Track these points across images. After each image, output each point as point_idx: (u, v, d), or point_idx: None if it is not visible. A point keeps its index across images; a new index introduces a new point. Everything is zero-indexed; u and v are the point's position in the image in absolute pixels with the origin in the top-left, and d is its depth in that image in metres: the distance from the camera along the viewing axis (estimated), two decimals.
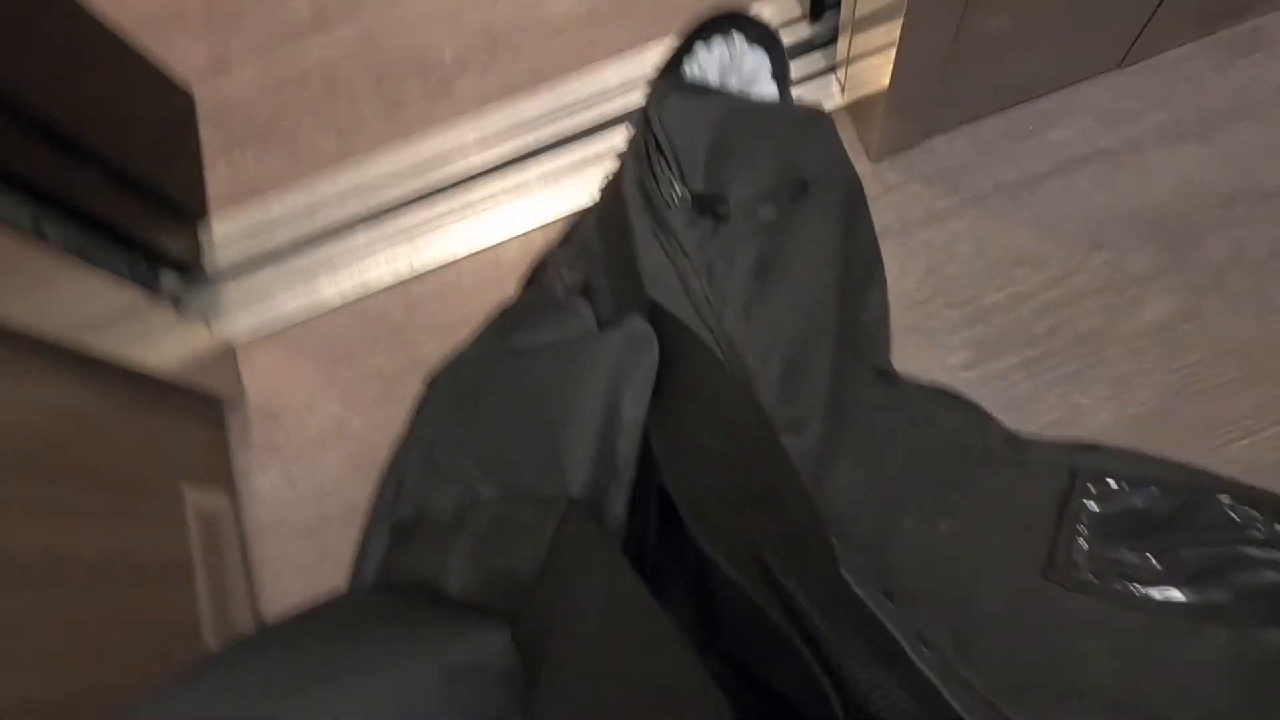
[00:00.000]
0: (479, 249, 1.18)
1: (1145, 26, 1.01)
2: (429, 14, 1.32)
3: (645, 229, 0.58)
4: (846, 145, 1.11)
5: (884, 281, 0.65)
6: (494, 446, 0.51)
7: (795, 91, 1.15)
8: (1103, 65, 1.08)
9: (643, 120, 0.63)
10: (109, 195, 1.09)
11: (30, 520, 0.78)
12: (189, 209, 1.24)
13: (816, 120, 0.70)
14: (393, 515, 0.54)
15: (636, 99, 1.19)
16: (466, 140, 1.23)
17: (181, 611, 0.95)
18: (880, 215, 1.09)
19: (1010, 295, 1.03)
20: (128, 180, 1.11)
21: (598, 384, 0.49)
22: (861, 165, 1.11)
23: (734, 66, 0.78)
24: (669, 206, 0.58)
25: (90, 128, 1.05)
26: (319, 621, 0.41)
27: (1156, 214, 1.03)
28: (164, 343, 1.06)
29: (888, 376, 0.59)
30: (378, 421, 1.13)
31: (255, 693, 0.34)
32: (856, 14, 1.01)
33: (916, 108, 1.03)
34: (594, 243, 0.66)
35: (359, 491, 1.11)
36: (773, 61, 0.79)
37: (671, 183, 0.59)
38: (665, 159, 0.60)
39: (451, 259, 1.18)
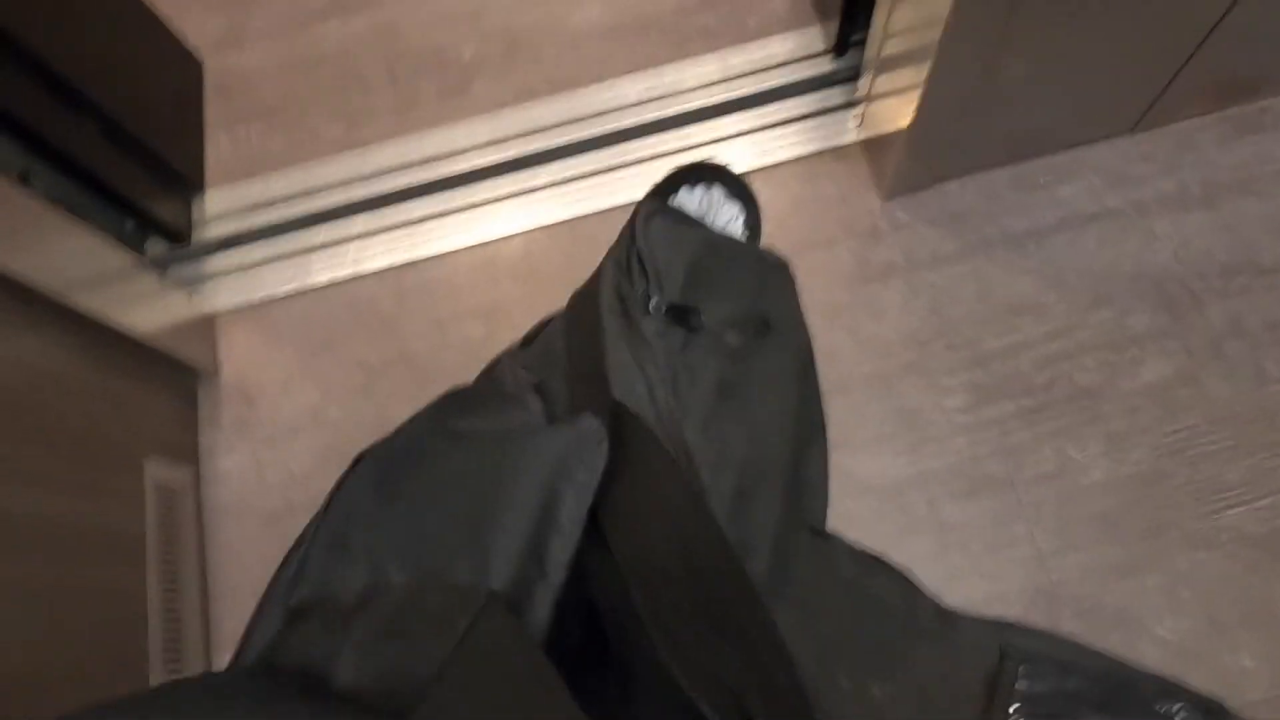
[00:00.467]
0: (477, 243, 1.16)
1: (1160, 96, 1.03)
2: (451, 12, 1.32)
3: (617, 333, 0.60)
4: (859, 181, 1.12)
5: (826, 446, 0.67)
6: (414, 529, 0.47)
7: (813, 123, 1.15)
8: (1116, 128, 1.10)
9: (629, 234, 0.66)
10: (104, 151, 1.06)
11: None
12: (184, 177, 1.21)
13: (783, 269, 0.73)
14: (290, 595, 0.49)
15: (651, 115, 1.19)
16: (477, 139, 1.22)
17: (129, 585, 0.89)
18: (887, 253, 1.09)
19: (1011, 343, 1.03)
20: (125, 139, 1.08)
21: (537, 477, 0.46)
22: (871, 202, 1.11)
23: (712, 213, 0.86)
24: (644, 314, 0.60)
25: (93, 79, 1.02)
26: (174, 697, 0.36)
27: (1159, 276, 1.04)
28: (144, 308, 1.02)
29: (823, 535, 0.59)
30: (356, 413, 1.10)
31: None
32: (883, 54, 1.01)
33: (933, 150, 1.03)
34: (558, 345, 0.67)
35: (329, 484, 1.06)
36: (747, 214, 0.88)
37: (648, 292, 0.62)
38: (645, 270, 0.63)
39: (448, 251, 1.16)
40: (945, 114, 0.95)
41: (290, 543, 1.02)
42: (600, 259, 0.68)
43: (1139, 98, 1.04)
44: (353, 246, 1.17)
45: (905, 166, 1.06)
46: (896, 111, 0.99)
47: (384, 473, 0.53)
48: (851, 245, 1.09)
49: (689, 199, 0.88)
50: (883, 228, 1.10)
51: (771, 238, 1.09)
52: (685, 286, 0.64)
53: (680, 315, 0.61)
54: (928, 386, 1.02)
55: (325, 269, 1.16)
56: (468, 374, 1.10)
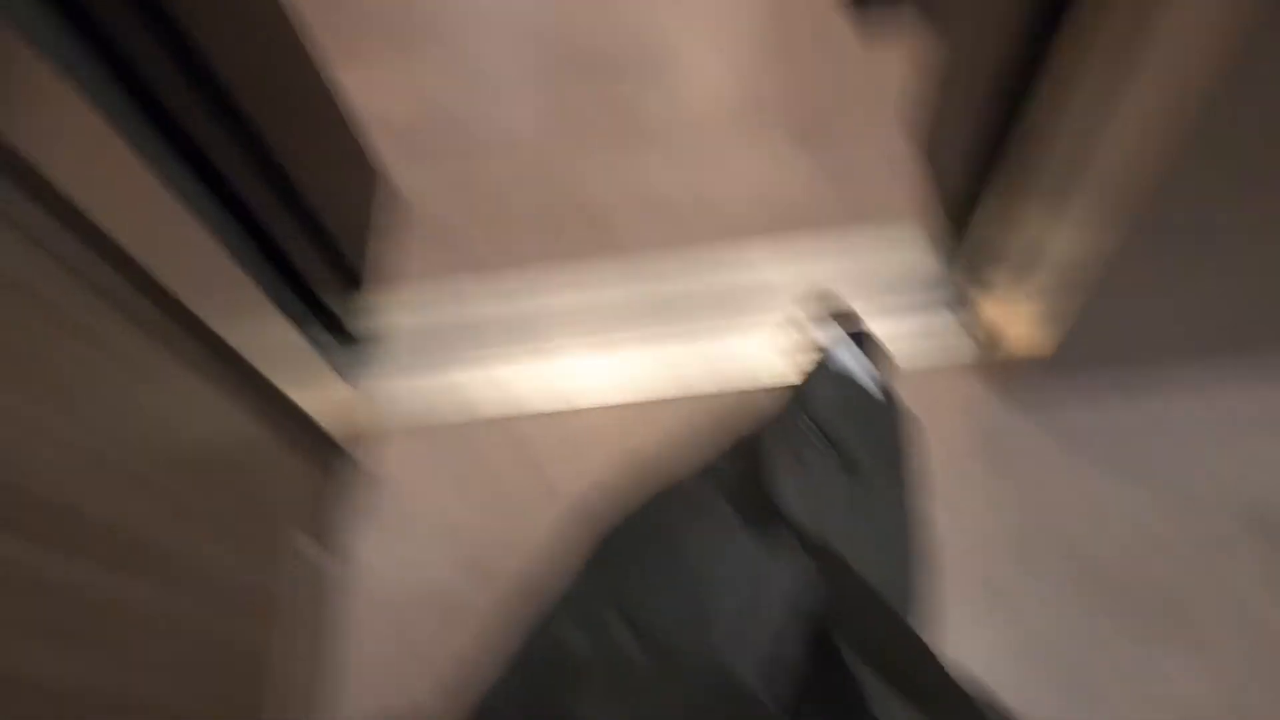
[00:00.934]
0: (631, 401, 1.21)
1: None
2: (608, 168, 1.45)
3: (782, 459, 0.69)
4: (980, 384, 1.16)
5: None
6: (648, 609, 0.54)
7: (937, 322, 1.22)
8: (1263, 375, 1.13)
9: (800, 385, 0.78)
10: (302, 243, 1.18)
11: (154, 507, 0.79)
12: (363, 280, 1.33)
13: (909, 417, 0.86)
14: (526, 650, 0.55)
15: (802, 283, 1.28)
16: (634, 297, 1.31)
17: (256, 642, 0.93)
18: (1007, 459, 1.12)
19: (1120, 557, 1.04)
20: (321, 235, 1.21)
21: (760, 588, 0.55)
22: (993, 406, 1.16)
23: (857, 368, 0.98)
24: (803, 439, 0.72)
25: (305, 176, 1.15)
26: None
27: None
28: (317, 391, 1.10)
29: None
30: (492, 532, 1.13)
31: None
32: (1026, 277, 1.07)
33: (1068, 372, 1.09)
34: (727, 469, 0.77)
35: (453, 591, 1.09)
36: (879, 370, 1.00)
37: (809, 425, 0.74)
38: (807, 410, 0.74)
39: (609, 404, 1.21)
40: (1086, 347, 1.02)
41: (399, 637, 1.05)
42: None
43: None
44: (514, 373, 1.25)
45: (1036, 381, 1.11)
46: (1029, 332, 1.06)
47: (626, 551, 0.60)
48: (974, 450, 1.14)
49: (845, 355, 0.98)
50: (1001, 433, 1.14)
51: None
52: (840, 428, 0.74)
53: (826, 440, 0.71)
54: (1025, 581, 1.03)
55: (485, 387, 1.24)
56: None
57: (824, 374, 0.82)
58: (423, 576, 1.10)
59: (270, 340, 1.01)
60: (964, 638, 0.99)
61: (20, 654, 0.62)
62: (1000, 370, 1.16)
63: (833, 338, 1.00)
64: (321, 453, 1.14)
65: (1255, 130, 0.75)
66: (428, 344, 1.29)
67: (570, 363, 1.25)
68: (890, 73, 1.49)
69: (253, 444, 0.98)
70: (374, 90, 1.56)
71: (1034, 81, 0.92)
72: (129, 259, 0.76)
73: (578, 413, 1.22)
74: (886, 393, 0.97)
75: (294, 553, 1.02)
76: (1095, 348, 1.06)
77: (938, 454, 1.11)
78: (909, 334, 1.23)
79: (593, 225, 1.39)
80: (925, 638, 0.53)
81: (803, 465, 0.70)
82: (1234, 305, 1.01)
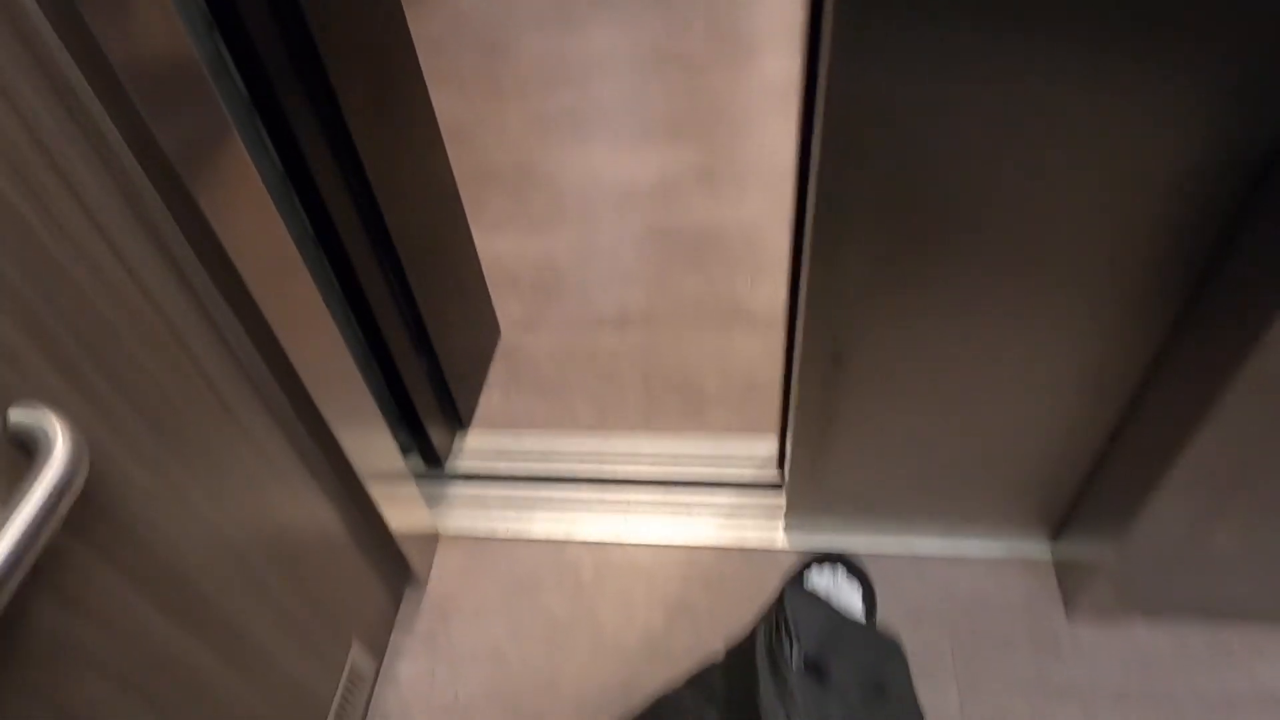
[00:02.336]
0: (681, 544, 1.29)
1: None
2: (706, 348, 1.59)
3: (768, 679, 0.79)
4: (1047, 593, 1.17)
5: None
6: None
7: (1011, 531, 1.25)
8: None
9: (778, 604, 0.87)
10: (419, 377, 1.32)
11: (246, 595, 0.87)
12: (460, 415, 1.46)
13: (897, 648, 0.92)
14: None
15: None
16: (702, 452, 1.40)
17: None
18: (1067, 673, 1.10)
19: None
20: (436, 373, 1.35)
21: None
22: (1056, 616, 1.16)
23: (836, 590, 1.16)
24: (789, 667, 0.80)
25: (436, 324, 1.31)
26: None
27: None
28: (396, 508, 1.20)
29: None
30: (532, 660, 1.18)
31: None
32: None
33: (1130, 588, 1.09)
34: (719, 683, 0.88)
35: (487, 716, 1.13)
36: (864, 594, 1.17)
37: (792, 648, 0.82)
38: (790, 633, 0.81)
39: (655, 543, 1.29)
40: (1144, 560, 1.03)
41: None
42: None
43: None
44: (574, 512, 1.34)
45: (1099, 594, 1.11)
46: (1097, 541, 1.08)
47: None
48: (1031, 654, 1.12)
49: (819, 579, 1.18)
50: (1065, 646, 1.13)
51: (955, 626, 1.15)
52: (819, 649, 0.83)
53: (816, 670, 0.79)
54: None
55: (545, 523, 1.32)
56: (642, 658, 1.17)
57: (803, 597, 0.93)
58: (452, 695, 1.14)
59: (377, 461, 1.12)
60: None
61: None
62: (1069, 574, 1.17)
63: (819, 565, 1.19)
64: (393, 571, 1.22)
65: None
66: (509, 490, 1.38)
67: (638, 520, 1.32)
68: None
69: (340, 551, 1.07)
70: (508, 256, 1.77)
71: None
72: (294, 373, 0.89)
73: (630, 549, 1.29)
74: (869, 618, 1.14)
75: (351, 664, 1.08)
76: (1155, 573, 1.06)
77: (998, 661, 1.10)
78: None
79: (687, 404, 1.49)
80: None
81: (790, 690, 0.79)
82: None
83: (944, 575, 1.22)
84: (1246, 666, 1.09)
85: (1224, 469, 0.90)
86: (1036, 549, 1.23)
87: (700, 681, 0.92)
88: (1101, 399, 0.99)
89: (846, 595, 1.18)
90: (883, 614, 1.19)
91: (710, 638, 1.16)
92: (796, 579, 1.21)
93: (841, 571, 1.21)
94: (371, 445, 1.11)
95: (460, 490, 1.39)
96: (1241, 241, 0.78)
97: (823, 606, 0.95)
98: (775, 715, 0.75)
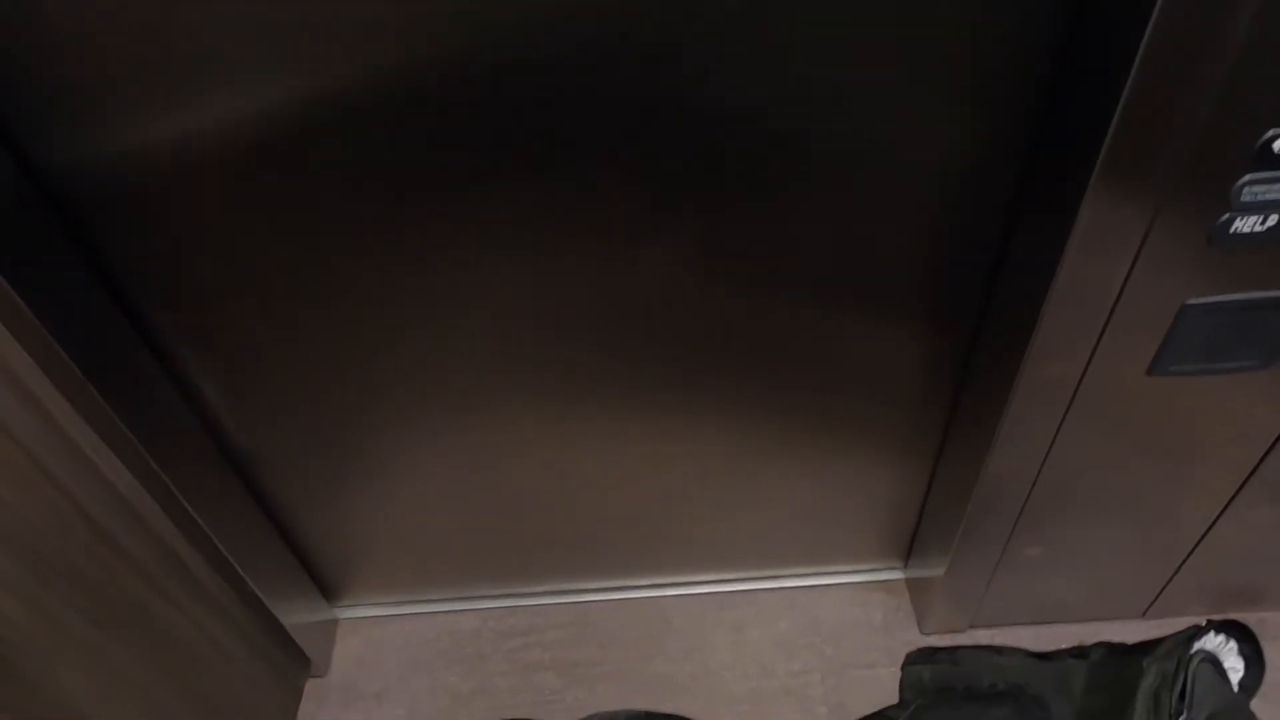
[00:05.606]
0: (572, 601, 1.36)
1: (1162, 592, 1.22)
2: None
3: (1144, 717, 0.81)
4: (902, 614, 1.30)
5: None
6: None
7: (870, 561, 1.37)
8: (1127, 612, 1.27)
9: (1179, 658, 0.90)
10: None
11: (140, 712, 0.90)
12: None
13: None
14: None
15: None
16: None
17: None
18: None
19: None
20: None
21: None
22: (911, 634, 1.28)
23: (1221, 657, 1.11)
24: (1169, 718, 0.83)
25: None
26: None
27: None
28: (289, 600, 1.23)
29: None
30: None
31: None
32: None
33: (964, 602, 1.23)
34: (1077, 690, 0.88)
35: None
36: (1246, 673, 1.12)
37: (1180, 709, 0.87)
38: (1185, 696, 0.85)
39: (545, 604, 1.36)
40: (971, 576, 1.17)
41: None
42: None
43: (1145, 590, 1.23)
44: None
45: (941, 610, 1.25)
46: (935, 563, 1.21)
47: None
48: (889, 670, 1.25)
49: (1212, 640, 1.13)
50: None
51: (821, 650, 1.26)
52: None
53: None
54: None
55: (442, 597, 1.38)
56: (540, 717, 1.22)
57: (1209, 668, 0.96)
58: None
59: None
60: None
61: None
62: (919, 595, 1.29)
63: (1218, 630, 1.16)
64: (290, 663, 1.24)
65: None
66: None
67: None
68: None
69: (229, 652, 1.09)
70: None
71: None
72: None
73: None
74: (1244, 692, 1.11)
75: None
76: (980, 585, 1.19)
77: (863, 681, 1.20)
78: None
79: None
80: None
81: None
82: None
83: (812, 604, 1.34)
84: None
85: (1016, 483, 1.05)
86: (892, 573, 1.37)
87: (1057, 670, 0.90)
88: (919, 430, 1.13)
89: (1228, 665, 1.14)
90: (755, 646, 1.29)
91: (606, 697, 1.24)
92: (1198, 636, 1.14)
93: (1234, 644, 1.17)
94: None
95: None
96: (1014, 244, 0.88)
97: (1224, 687, 0.96)
98: None
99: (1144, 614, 1.27)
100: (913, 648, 1.27)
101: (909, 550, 1.35)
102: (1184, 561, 1.17)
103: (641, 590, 1.37)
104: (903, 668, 0.88)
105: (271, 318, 0.93)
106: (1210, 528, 1.10)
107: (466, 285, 0.90)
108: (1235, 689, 1.06)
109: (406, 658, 1.31)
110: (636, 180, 0.81)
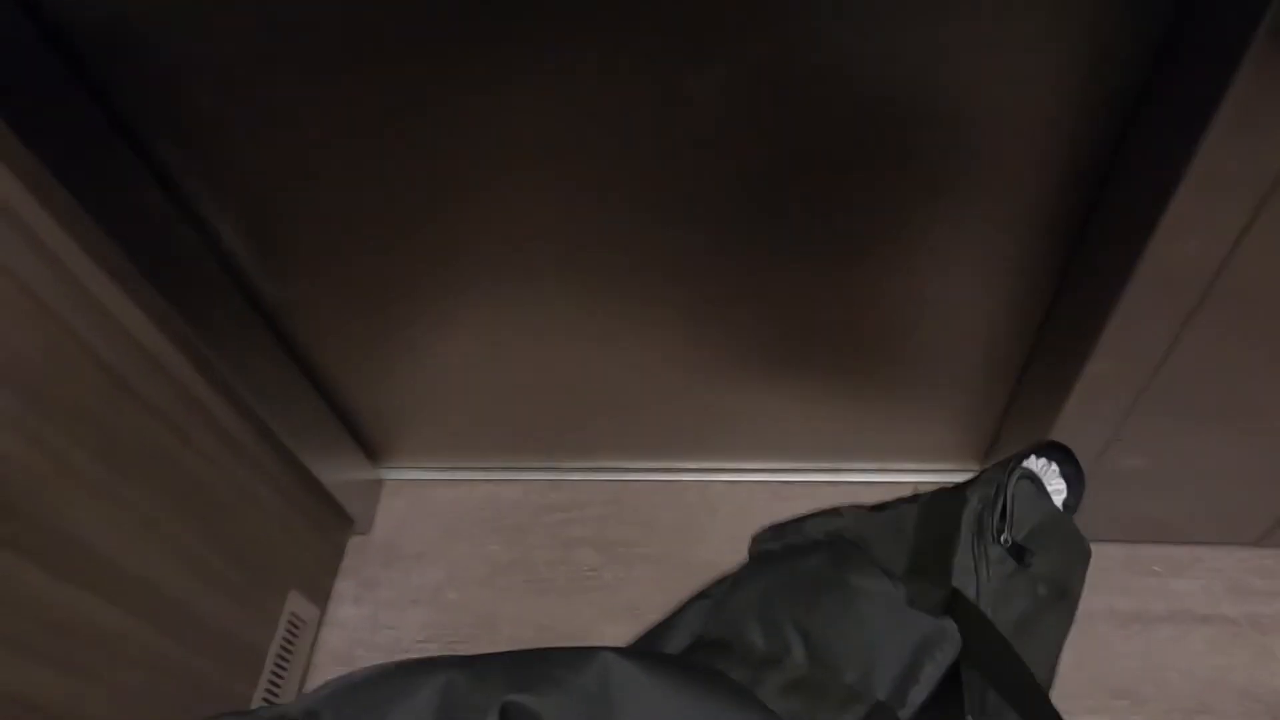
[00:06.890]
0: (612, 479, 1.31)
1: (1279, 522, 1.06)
2: None
3: (969, 543, 0.77)
4: None
5: None
6: (821, 629, 0.65)
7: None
8: (1238, 538, 1.12)
9: (1000, 479, 0.83)
10: None
11: (163, 553, 0.89)
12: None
13: (1088, 556, 0.91)
14: (704, 625, 0.66)
15: None
16: None
17: (238, 694, 1.01)
18: None
19: None
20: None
21: (910, 638, 0.62)
22: None
23: (1044, 480, 1.05)
24: (994, 541, 0.78)
25: None
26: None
27: (1271, 699, 1.01)
28: (330, 459, 1.22)
29: None
30: (471, 601, 1.21)
31: None
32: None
33: None
34: (908, 528, 0.84)
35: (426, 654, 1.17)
36: (1069, 492, 1.05)
37: (1002, 528, 0.79)
38: (1006, 513, 0.79)
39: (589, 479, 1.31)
40: None
41: None
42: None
43: (1261, 515, 1.08)
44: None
45: None
46: None
47: (794, 577, 0.70)
48: None
49: (1033, 463, 1.07)
50: None
51: None
52: (1027, 538, 0.81)
53: (1018, 553, 0.76)
54: None
55: (485, 466, 1.34)
56: (575, 592, 1.20)
57: (1028, 487, 0.90)
58: (394, 638, 1.19)
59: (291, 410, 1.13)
60: None
61: (24, 676, 0.73)
62: None
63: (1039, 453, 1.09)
64: (330, 518, 1.24)
65: None
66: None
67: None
68: None
69: (264, 506, 1.09)
70: None
71: None
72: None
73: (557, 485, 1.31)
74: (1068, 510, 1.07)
75: (290, 614, 1.11)
76: None
77: None
78: None
79: None
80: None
81: (987, 562, 0.79)
82: None
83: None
84: (1162, 582, 1.11)
85: (1123, 385, 0.90)
86: (967, 476, 1.24)
87: (890, 517, 0.91)
88: (1013, 315, 0.99)
89: (1051, 488, 1.11)
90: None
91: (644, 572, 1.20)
92: (1017, 460, 1.10)
93: (1055, 467, 1.13)
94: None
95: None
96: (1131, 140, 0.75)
97: (1045, 502, 0.93)
98: (965, 575, 0.78)
99: (1258, 541, 1.12)
100: None
101: (987, 452, 1.22)
102: None
103: (689, 474, 1.30)
104: (749, 549, 0.84)
105: (294, 161, 0.85)
106: None
107: (507, 126, 0.79)
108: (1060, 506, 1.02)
109: (448, 523, 1.30)
110: None
